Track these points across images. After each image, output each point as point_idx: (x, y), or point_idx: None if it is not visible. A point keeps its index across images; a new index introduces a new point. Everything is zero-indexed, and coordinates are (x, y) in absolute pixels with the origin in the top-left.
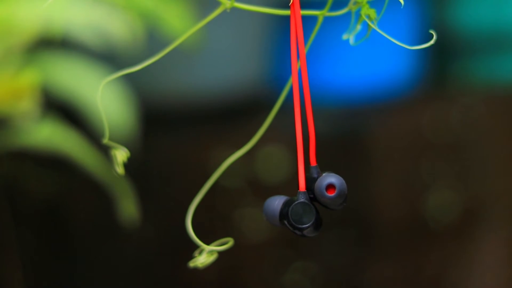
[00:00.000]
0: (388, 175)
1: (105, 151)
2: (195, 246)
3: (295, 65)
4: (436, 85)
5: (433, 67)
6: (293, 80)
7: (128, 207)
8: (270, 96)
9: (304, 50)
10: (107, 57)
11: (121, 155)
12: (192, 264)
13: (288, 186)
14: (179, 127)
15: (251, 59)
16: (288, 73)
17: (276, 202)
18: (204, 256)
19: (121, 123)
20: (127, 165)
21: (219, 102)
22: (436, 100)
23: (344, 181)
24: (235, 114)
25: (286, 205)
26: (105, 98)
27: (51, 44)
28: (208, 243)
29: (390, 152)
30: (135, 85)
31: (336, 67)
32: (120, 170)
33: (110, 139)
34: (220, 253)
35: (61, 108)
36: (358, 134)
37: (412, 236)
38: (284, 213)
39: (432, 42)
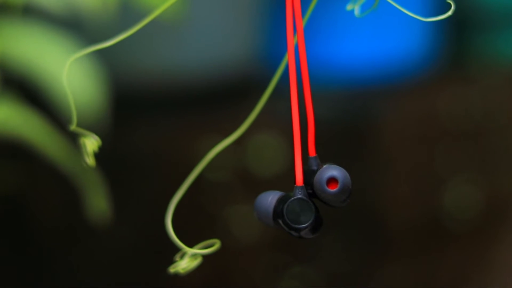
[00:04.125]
0: (399, 167)
1: (72, 137)
2: (176, 249)
3: (291, 41)
4: (454, 64)
5: (450, 43)
6: (289, 58)
7: (98, 202)
8: (262, 76)
9: (301, 23)
10: (74, 27)
11: (91, 143)
12: (172, 269)
13: (284, 180)
14: (157, 111)
15: (241, 33)
16: (284, 49)
17: (270, 199)
18: (187, 261)
19: (90, 106)
20: (97, 156)
21: (204, 83)
22: (454, 81)
23: (347, 174)
24: (222, 96)
25: (280, 202)
26: (72, 76)
27: (10, 11)
28: (191, 246)
29: (401, 141)
30: (107, 63)
31: (338, 42)
32: (90, 160)
33: (78, 125)
34: (206, 257)
35: (20, 86)
36: (364, 120)
37: (426, 237)
38: (278, 211)
39: (449, 13)
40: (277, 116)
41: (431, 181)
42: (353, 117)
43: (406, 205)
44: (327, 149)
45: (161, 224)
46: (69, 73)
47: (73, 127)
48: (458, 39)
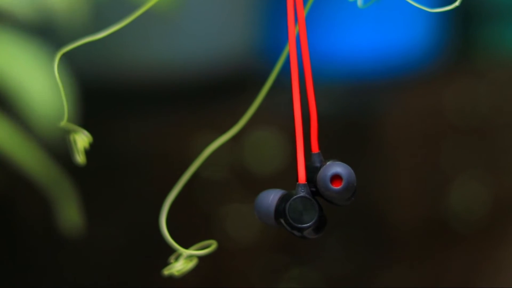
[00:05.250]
0: (402, 164)
1: (40, 144)
2: (171, 251)
3: (293, 31)
4: (461, 57)
5: (456, 35)
6: (290, 49)
7: (71, 214)
8: (260, 69)
9: (303, 13)
10: (46, 32)
11: (81, 140)
12: (167, 271)
13: (283, 178)
14: (150, 107)
15: (237, 24)
16: (283, 41)
17: (271, 197)
18: (182, 262)
19: (57, 109)
20: (87, 153)
21: (199, 77)
22: (461, 75)
23: (352, 171)
24: (218, 91)
25: (283, 200)
26: (39, 80)
27: None
28: (187, 247)
29: (405, 137)
30: (96, 57)
31: (340, 34)
32: (80, 158)
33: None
34: (202, 259)
35: None
36: (366, 115)
37: (431, 238)
38: (280, 210)
39: (457, 3)
40: (276, 111)
41: (436, 180)
42: (355, 112)
43: (410, 204)
44: (327, 146)
45: (155, 224)
46: (35, 75)
47: (63, 122)
48: (464, 31)
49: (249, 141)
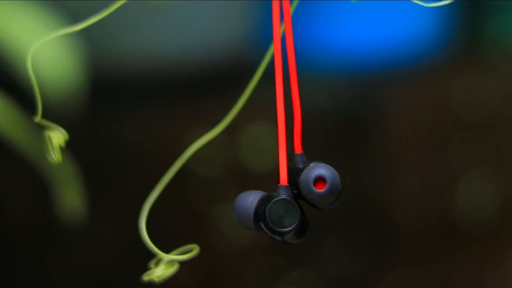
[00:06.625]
0: (407, 162)
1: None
2: (152, 255)
3: (278, 27)
4: (469, 49)
5: (464, 25)
6: (274, 46)
7: (71, 198)
8: (255, 62)
9: (289, 8)
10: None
11: (57, 137)
12: (146, 277)
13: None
14: (140, 100)
15: (232, 16)
16: None
17: (250, 199)
18: (162, 268)
19: (64, 90)
20: (73, 149)
21: (191, 69)
22: (468, 67)
23: (336, 173)
24: (213, 84)
25: (263, 202)
26: (43, 59)
27: None
28: (179, 247)
29: (409, 133)
30: (84, 47)
31: (341, 25)
32: (56, 156)
33: (48, 114)
34: (196, 261)
35: None
36: (369, 110)
37: (437, 239)
38: (260, 213)
39: None
40: (271, 105)
41: (443, 177)
42: (358, 106)
43: (415, 203)
44: (328, 141)
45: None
46: (40, 55)
47: (38, 118)
48: (472, 21)
49: (243, 136)
